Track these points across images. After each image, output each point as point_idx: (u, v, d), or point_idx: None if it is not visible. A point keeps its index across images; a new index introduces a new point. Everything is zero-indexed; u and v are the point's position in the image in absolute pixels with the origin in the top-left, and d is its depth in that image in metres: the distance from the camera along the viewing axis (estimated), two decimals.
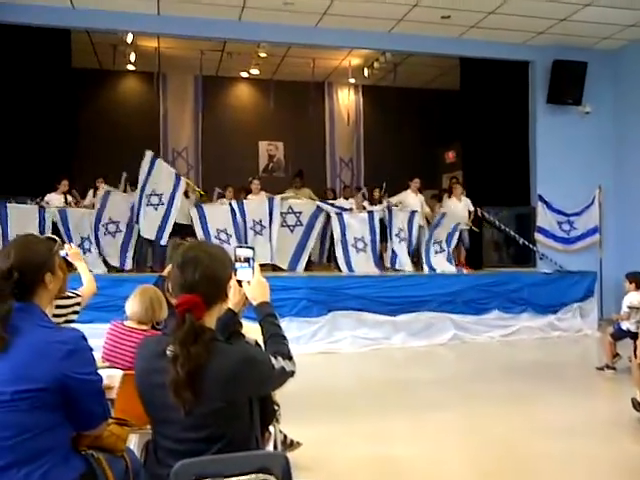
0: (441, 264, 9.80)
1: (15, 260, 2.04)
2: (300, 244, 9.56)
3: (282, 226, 9.49)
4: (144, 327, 3.54)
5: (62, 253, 3.48)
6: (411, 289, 8.84)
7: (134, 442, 3.03)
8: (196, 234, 9.11)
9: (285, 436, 3.91)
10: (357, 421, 5.16)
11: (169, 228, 9.15)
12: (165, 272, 4.44)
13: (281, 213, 9.50)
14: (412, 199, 10.33)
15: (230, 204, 9.60)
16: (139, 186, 9.26)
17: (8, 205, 8.61)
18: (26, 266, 2.05)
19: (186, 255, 2.06)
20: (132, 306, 3.57)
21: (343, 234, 9.59)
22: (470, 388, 6.44)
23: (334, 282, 8.77)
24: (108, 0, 8.89)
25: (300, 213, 9.67)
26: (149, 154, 9.40)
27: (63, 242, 3.94)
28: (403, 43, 10.41)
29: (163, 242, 9.09)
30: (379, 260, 9.79)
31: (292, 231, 9.60)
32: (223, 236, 9.27)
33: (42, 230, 8.41)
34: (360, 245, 9.61)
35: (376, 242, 9.73)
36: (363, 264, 9.51)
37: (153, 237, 9.18)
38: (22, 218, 8.58)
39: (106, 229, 9.22)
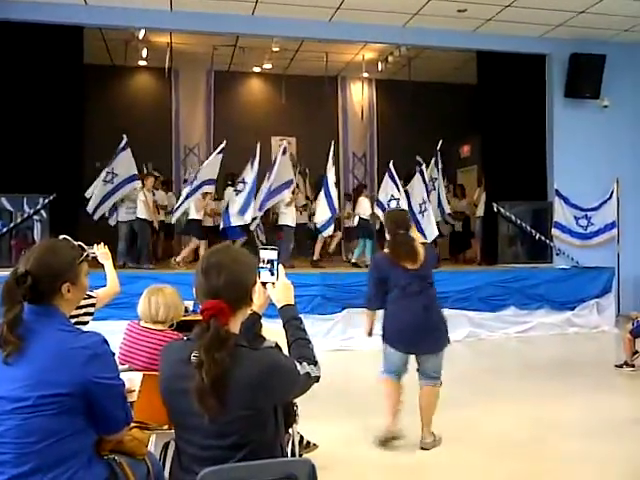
0: None
1: (32, 266, 2.00)
2: None
3: None
4: (160, 327, 3.50)
5: (92, 252, 3.48)
6: None
7: (152, 442, 3.00)
8: None
9: (302, 437, 3.86)
10: (374, 420, 5.10)
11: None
12: None
13: None
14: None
15: None
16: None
17: None
18: (42, 273, 2.00)
19: (210, 260, 2.01)
20: (140, 306, 3.53)
21: None
22: (486, 386, 6.38)
23: (349, 278, 8.71)
24: None
25: None
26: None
27: (97, 243, 3.89)
28: (418, 37, 10.30)
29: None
30: None
31: None
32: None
33: None
34: None
35: None
36: None
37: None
38: None
39: None
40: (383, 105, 14.42)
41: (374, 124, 14.50)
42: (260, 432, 1.94)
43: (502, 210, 10.57)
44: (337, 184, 12.41)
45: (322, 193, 10.04)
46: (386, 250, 4.52)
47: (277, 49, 11.49)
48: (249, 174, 9.91)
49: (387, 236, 4.62)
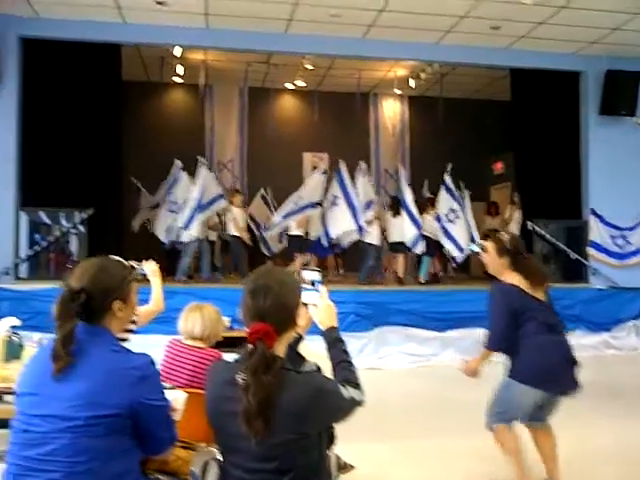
0: None
1: (87, 282, 2.03)
2: None
3: None
4: (200, 345, 3.52)
5: (141, 269, 3.53)
6: (461, 304, 8.64)
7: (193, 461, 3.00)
8: None
9: (338, 458, 3.84)
10: (409, 441, 5.07)
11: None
12: None
13: None
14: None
15: None
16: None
17: None
18: (96, 290, 2.04)
19: (257, 283, 2.03)
20: (180, 324, 3.56)
21: None
22: None
23: (382, 296, 8.68)
24: (158, 15, 9.02)
25: None
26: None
27: (146, 260, 3.96)
28: (451, 54, 10.27)
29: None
30: None
31: None
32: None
33: None
34: None
35: None
36: None
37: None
38: None
39: None
40: (415, 121, 14.42)
41: (406, 140, 14.50)
42: (305, 456, 1.93)
43: (536, 228, 10.44)
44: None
45: (404, 212, 10.13)
46: (511, 279, 3.88)
47: (310, 66, 11.59)
48: (336, 190, 10.13)
49: (496, 259, 3.96)
